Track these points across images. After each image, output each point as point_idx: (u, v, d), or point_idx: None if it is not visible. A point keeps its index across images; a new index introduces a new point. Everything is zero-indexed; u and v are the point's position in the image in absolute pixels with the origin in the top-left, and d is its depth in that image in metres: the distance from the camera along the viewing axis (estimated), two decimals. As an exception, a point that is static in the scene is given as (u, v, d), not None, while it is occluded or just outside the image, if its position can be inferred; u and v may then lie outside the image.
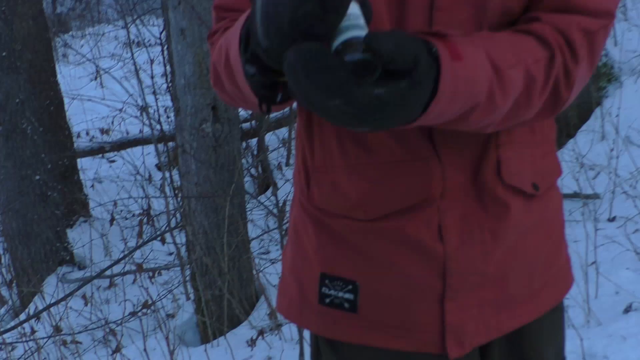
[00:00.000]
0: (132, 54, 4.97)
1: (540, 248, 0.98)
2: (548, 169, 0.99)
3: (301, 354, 2.76)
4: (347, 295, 0.94)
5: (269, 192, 4.92)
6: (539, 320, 0.99)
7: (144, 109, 4.79)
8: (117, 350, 3.38)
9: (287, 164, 5.49)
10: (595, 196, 3.70)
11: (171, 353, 3.05)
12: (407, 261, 0.92)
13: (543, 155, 0.97)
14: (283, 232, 3.53)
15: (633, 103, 4.32)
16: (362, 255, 0.94)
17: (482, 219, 0.91)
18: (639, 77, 4.50)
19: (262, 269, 3.77)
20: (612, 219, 3.58)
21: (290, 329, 3.20)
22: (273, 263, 3.87)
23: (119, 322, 3.72)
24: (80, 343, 3.66)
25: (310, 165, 0.96)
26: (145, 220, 5.05)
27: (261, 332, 3.28)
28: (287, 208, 3.08)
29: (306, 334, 1.85)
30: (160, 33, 4.62)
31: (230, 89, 0.87)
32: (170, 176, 4.63)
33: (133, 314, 3.77)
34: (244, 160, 4.70)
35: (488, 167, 0.89)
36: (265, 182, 5.21)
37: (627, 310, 2.75)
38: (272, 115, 4.81)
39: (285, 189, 4.38)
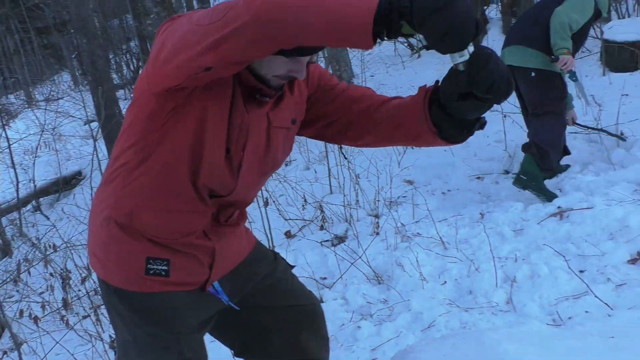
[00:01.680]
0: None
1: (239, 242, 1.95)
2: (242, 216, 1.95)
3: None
4: (163, 267, 1.74)
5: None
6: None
7: None
8: None
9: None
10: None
11: None
12: (195, 251, 1.78)
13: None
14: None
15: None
16: (172, 249, 1.75)
17: (223, 230, 1.84)
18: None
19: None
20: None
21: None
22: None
23: None
24: None
25: (133, 202, 1.70)
26: None
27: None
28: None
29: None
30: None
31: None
32: None
33: None
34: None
35: (225, 217, 1.83)
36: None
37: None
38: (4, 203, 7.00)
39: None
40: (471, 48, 1.35)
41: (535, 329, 2.80)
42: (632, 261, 3.43)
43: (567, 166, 4.88)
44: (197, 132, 1.59)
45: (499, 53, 7.45)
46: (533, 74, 4.43)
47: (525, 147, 4.69)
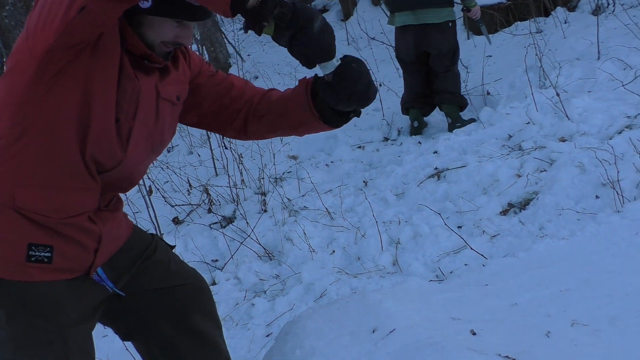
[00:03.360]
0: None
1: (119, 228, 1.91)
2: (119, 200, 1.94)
3: None
4: (46, 254, 1.67)
5: None
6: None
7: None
8: None
9: None
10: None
11: None
12: (80, 236, 1.73)
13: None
14: None
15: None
16: (56, 233, 1.68)
17: (105, 215, 1.80)
18: None
19: None
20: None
21: None
22: None
23: None
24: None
25: (14, 181, 1.62)
26: None
27: None
28: None
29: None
30: None
31: None
32: None
33: None
34: None
35: (106, 201, 1.82)
36: None
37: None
38: None
39: None
40: (335, 61, 1.59)
41: (417, 286, 2.93)
42: (504, 212, 3.66)
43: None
44: (84, 100, 1.56)
45: (370, 17, 7.68)
46: (450, 24, 5.11)
47: (440, 100, 5.23)
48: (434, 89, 5.24)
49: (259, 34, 1.49)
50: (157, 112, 1.75)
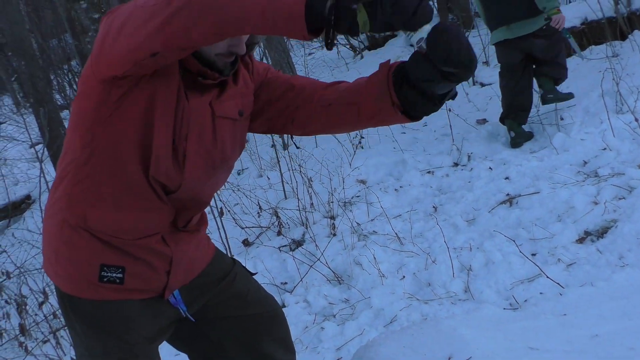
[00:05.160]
0: None
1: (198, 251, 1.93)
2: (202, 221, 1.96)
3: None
4: (118, 275, 1.69)
5: None
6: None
7: None
8: None
9: None
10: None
11: None
12: (151, 257, 1.73)
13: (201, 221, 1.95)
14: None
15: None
16: (127, 254, 1.70)
17: (181, 237, 1.81)
18: None
19: None
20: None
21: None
22: None
23: None
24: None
25: (85, 202, 1.65)
26: None
27: None
28: None
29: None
30: None
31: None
32: None
33: None
34: None
35: (183, 221, 1.80)
36: None
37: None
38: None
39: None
40: (429, 27, 1.35)
41: (492, 314, 2.88)
42: (580, 240, 3.56)
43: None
44: (146, 122, 1.57)
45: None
46: (545, 27, 4.99)
47: (537, 72, 5.33)
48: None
49: (357, 33, 1.32)
50: (214, 131, 1.72)
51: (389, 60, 1.65)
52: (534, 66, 5.33)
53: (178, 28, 1.34)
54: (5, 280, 4.98)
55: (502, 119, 5.40)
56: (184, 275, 1.85)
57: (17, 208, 8.65)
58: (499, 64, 5.50)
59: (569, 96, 5.22)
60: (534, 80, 5.38)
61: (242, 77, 1.78)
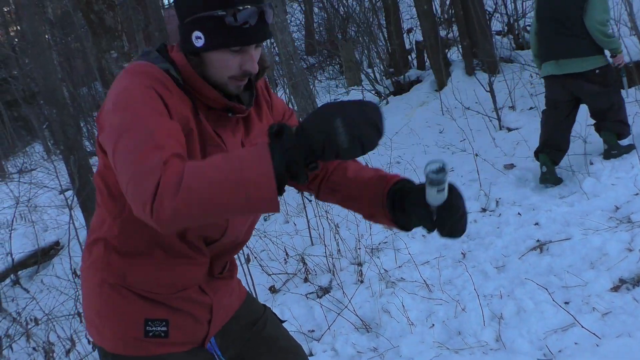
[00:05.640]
0: None
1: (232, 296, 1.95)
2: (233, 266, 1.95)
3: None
4: (162, 328, 1.70)
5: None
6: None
7: None
8: None
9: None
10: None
11: None
12: (192, 308, 1.75)
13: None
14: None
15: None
16: (170, 307, 1.70)
17: (217, 284, 1.83)
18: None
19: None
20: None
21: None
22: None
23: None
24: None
25: (123, 260, 1.66)
26: None
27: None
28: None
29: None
30: None
31: (222, 195, 1.30)
32: None
33: None
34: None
35: (219, 267, 1.82)
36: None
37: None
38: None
39: None
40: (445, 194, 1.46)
41: (526, 365, 2.80)
42: (615, 289, 3.47)
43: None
44: None
45: (464, 87, 7.71)
46: (597, 71, 4.98)
47: (598, 127, 5.28)
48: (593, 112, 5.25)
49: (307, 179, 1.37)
50: None
51: (387, 177, 1.71)
52: (593, 121, 5.32)
53: (167, 215, 1.32)
54: (33, 327, 4.99)
55: (537, 153, 5.34)
56: (221, 321, 1.87)
57: (46, 254, 8.71)
58: (545, 98, 5.47)
59: (631, 148, 5.12)
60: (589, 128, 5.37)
61: (265, 115, 1.80)
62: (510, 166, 5.98)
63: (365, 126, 1.28)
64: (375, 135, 1.30)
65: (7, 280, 7.99)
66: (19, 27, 20.07)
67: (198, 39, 1.54)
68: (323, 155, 1.29)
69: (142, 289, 1.69)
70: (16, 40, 21.95)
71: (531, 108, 7.23)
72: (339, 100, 1.31)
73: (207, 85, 1.59)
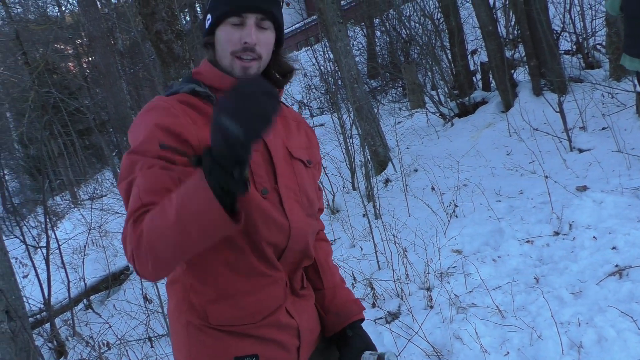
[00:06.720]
0: None
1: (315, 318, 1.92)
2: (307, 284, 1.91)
3: None
4: None
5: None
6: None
7: None
8: None
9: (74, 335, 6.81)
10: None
11: None
12: (280, 335, 1.71)
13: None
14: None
15: None
16: (258, 339, 1.67)
17: (301, 304, 1.81)
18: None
19: None
20: None
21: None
22: None
23: None
24: None
25: (202, 298, 1.64)
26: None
27: None
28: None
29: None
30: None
31: (180, 235, 1.36)
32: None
33: None
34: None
35: (298, 281, 1.82)
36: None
37: None
38: (57, 304, 7.31)
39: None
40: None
41: (613, 397, 2.66)
42: (703, 316, 3.29)
43: None
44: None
45: (532, 107, 7.65)
46: None
47: None
48: None
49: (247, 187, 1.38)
50: (294, 172, 1.73)
51: (349, 315, 2.00)
52: None
53: (149, 272, 1.43)
54: (106, 351, 5.09)
55: None
56: (308, 349, 1.83)
57: (117, 279, 8.93)
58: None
59: None
60: None
61: (305, 131, 1.86)
62: (584, 188, 5.79)
63: (249, 110, 1.26)
64: (263, 115, 1.28)
65: (80, 305, 8.21)
66: (91, 59, 20.86)
67: (208, 20, 1.65)
68: (233, 153, 1.29)
69: (229, 324, 1.66)
70: (88, 71, 22.86)
71: (603, 128, 7.02)
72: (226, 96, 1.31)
73: (226, 75, 1.65)
